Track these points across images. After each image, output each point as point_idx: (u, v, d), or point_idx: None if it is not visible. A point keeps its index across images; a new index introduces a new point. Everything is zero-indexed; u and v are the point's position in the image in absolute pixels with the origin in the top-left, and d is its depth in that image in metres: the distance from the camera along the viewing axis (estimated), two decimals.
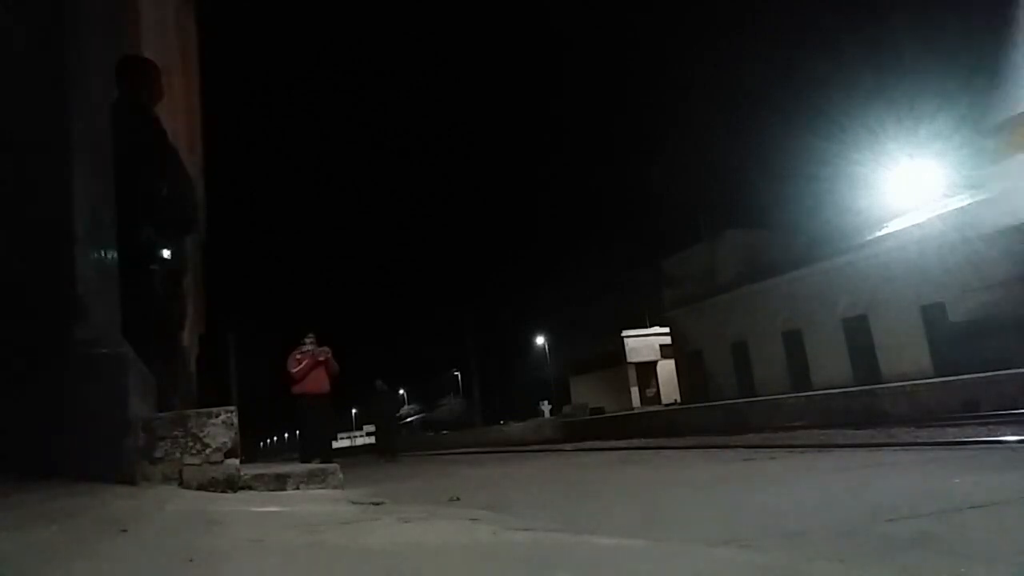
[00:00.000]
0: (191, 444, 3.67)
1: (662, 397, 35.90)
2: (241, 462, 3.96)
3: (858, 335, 22.09)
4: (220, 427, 3.73)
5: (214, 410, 3.76)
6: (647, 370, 37.96)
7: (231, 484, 3.71)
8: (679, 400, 30.48)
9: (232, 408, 3.83)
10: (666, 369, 35.31)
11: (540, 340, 49.39)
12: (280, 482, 4.10)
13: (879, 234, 22.35)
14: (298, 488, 4.13)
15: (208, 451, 3.69)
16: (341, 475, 4.40)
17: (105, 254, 3.72)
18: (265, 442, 53.13)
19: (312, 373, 10.74)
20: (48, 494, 2.72)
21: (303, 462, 8.97)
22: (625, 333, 38.31)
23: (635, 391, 37.62)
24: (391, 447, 17.40)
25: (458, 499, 4.20)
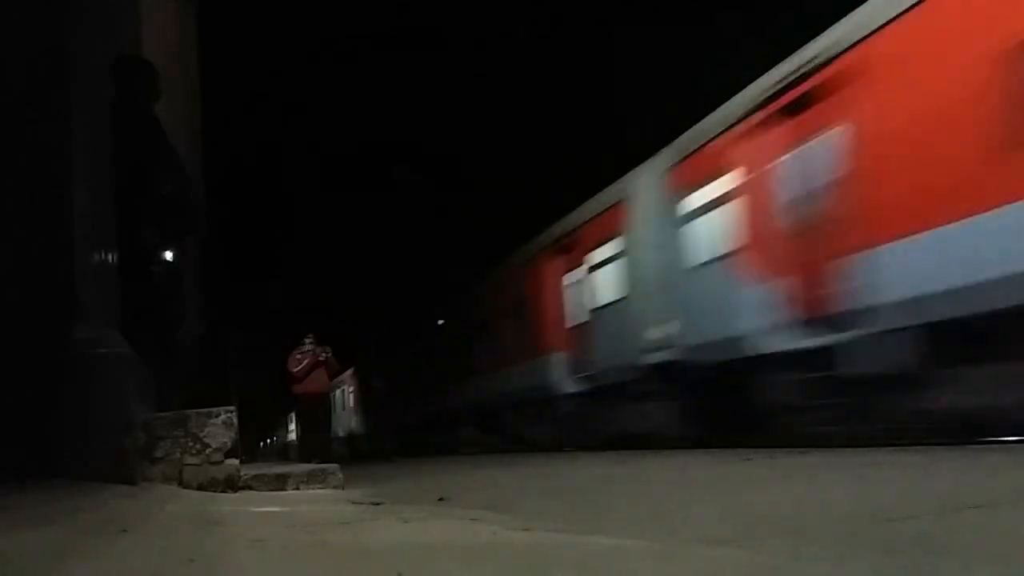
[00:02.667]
0: (191, 444, 3.68)
1: None
2: (241, 462, 3.96)
3: None
4: (220, 427, 3.73)
5: (214, 410, 3.76)
6: None
7: (231, 484, 3.71)
8: None
9: (232, 408, 3.84)
10: None
11: None
12: (280, 482, 4.11)
13: None
14: (298, 488, 4.14)
15: (208, 451, 3.70)
16: (341, 475, 4.41)
17: (105, 254, 3.73)
18: (265, 442, 53.14)
19: (313, 373, 10.76)
20: (48, 494, 2.72)
21: (303, 462, 8.97)
22: None
23: None
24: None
25: (446, 499, 4.20)
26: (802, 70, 6.94)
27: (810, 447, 6.41)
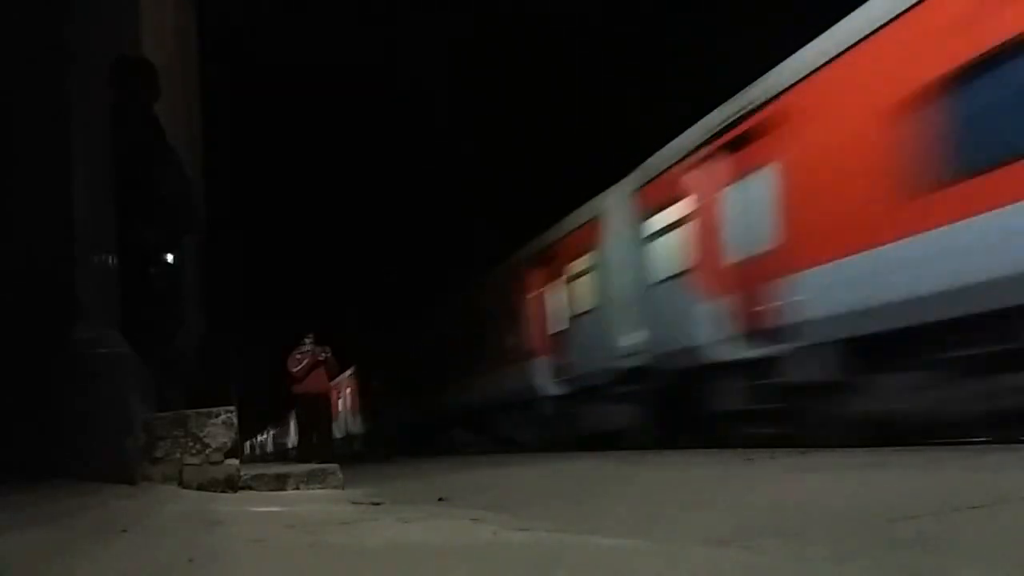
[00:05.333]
0: (191, 444, 3.67)
1: None
2: (241, 462, 3.96)
3: None
4: (220, 427, 3.73)
5: (214, 410, 3.76)
6: None
7: (231, 484, 3.71)
8: None
9: (232, 408, 3.83)
10: None
11: None
12: (280, 482, 4.11)
13: None
14: (298, 488, 4.13)
15: (208, 451, 3.69)
16: (341, 475, 4.40)
17: (105, 254, 3.72)
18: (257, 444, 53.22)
19: (312, 372, 10.76)
20: (48, 494, 2.72)
21: (302, 461, 8.97)
22: None
23: None
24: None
25: (445, 499, 4.20)
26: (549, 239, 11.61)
27: (810, 447, 6.41)
